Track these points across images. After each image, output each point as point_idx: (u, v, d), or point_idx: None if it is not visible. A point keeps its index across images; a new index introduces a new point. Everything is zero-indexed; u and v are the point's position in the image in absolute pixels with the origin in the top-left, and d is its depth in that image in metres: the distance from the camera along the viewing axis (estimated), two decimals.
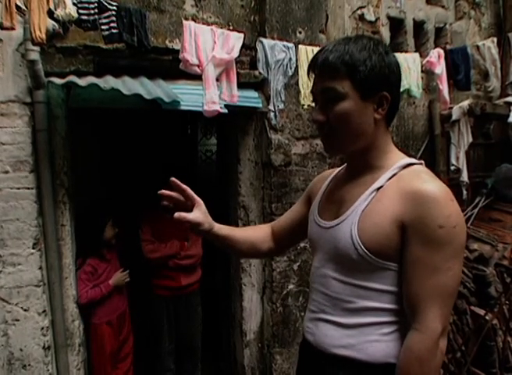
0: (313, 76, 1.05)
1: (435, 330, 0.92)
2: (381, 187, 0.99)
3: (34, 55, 1.95)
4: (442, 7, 3.27)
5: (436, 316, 0.92)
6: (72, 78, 2.00)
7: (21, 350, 2.14)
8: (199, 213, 1.18)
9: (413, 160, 1.03)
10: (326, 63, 0.99)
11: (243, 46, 2.18)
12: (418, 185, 0.94)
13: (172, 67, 2.21)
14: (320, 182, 1.26)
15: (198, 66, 1.97)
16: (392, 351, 0.98)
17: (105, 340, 2.46)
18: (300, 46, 2.30)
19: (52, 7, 1.71)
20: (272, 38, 2.34)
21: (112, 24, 1.80)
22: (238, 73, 2.22)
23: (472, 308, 2.57)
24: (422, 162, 1.05)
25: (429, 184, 0.93)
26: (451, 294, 0.94)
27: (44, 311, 2.16)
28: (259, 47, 2.21)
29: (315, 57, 1.03)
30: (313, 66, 1.04)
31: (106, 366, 2.46)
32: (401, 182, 0.97)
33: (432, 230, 0.91)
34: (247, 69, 2.49)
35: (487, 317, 2.46)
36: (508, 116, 3.07)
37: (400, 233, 0.94)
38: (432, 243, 0.91)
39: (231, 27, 2.42)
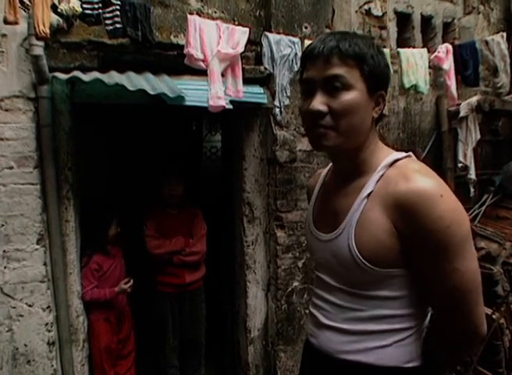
0: (309, 63, 0.97)
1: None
2: (371, 192, 0.95)
3: (38, 50, 1.94)
4: (451, 1, 3.22)
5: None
6: (77, 73, 1.99)
7: (25, 345, 2.14)
8: None
9: (398, 155, 0.98)
10: (336, 50, 0.92)
11: (249, 41, 2.15)
12: (403, 189, 0.88)
13: (176, 62, 2.20)
14: (312, 187, 1.21)
15: (203, 60, 1.95)
16: (402, 355, 0.97)
17: (102, 336, 2.46)
18: (306, 41, 2.27)
19: (56, 1, 1.70)
20: (278, 33, 2.31)
21: (115, 19, 1.79)
22: (243, 69, 2.20)
23: None
24: (410, 153, 1.00)
25: (414, 185, 0.87)
26: (464, 294, 0.90)
27: (49, 307, 2.17)
28: (264, 42, 2.19)
29: (317, 46, 0.95)
30: (316, 53, 0.94)
31: (103, 362, 2.46)
32: (388, 186, 0.92)
33: (426, 237, 0.87)
34: (252, 65, 2.47)
35: (494, 316, 2.43)
36: None
37: (397, 241, 0.91)
38: (430, 248, 0.88)
39: (236, 22, 2.40)
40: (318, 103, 0.93)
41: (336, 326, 1.02)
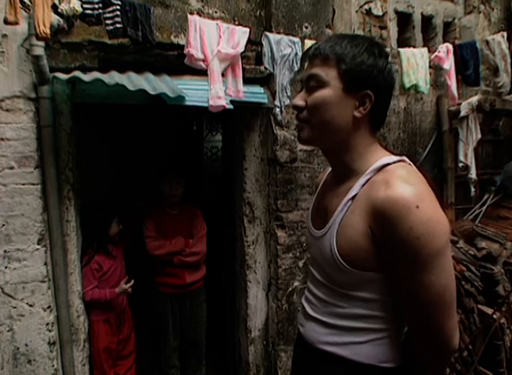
0: (302, 65, 1.07)
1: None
2: (355, 195, 0.97)
3: (39, 50, 1.94)
4: (451, 1, 3.21)
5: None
6: (77, 73, 1.99)
7: (26, 345, 2.14)
8: None
9: (390, 159, 0.98)
10: (317, 52, 1.00)
11: (249, 41, 2.15)
12: (381, 196, 0.89)
13: (177, 63, 2.20)
14: (318, 184, 1.27)
15: (203, 60, 1.95)
16: (377, 354, 0.99)
17: (101, 337, 2.46)
18: (306, 41, 2.27)
19: (57, 1, 1.70)
20: (278, 33, 2.32)
21: (116, 19, 1.79)
22: (243, 69, 2.20)
23: (480, 306, 2.54)
24: (403, 157, 1.00)
25: (392, 192, 0.87)
26: (429, 308, 0.90)
27: (50, 306, 2.17)
28: (265, 41, 2.19)
29: (308, 49, 1.05)
30: (305, 55, 1.06)
31: (102, 363, 2.46)
32: (371, 191, 0.93)
33: (396, 246, 0.88)
34: (253, 65, 2.47)
35: (495, 316, 2.43)
36: None
37: (373, 245, 0.92)
38: (399, 258, 0.89)
39: (236, 22, 2.40)
40: (298, 99, 1.03)
41: (319, 318, 1.07)
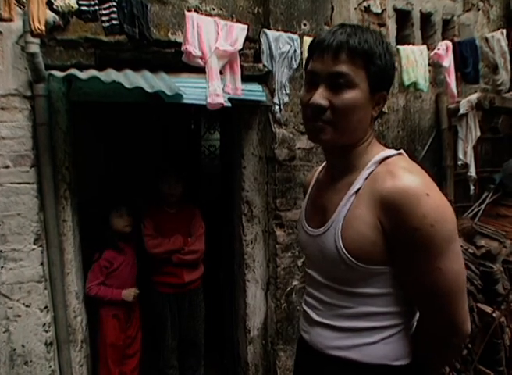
0: (316, 55, 0.95)
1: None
2: (359, 188, 0.95)
3: (34, 47, 1.92)
4: None
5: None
6: (73, 71, 1.96)
7: (23, 346, 2.13)
8: None
9: (389, 152, 0.98)
10: (345, 47, 0.91)
11: (247, 38, 2.14)
12: (389, 187, 0.88)
13: (174, 60, 2.18)
14: (308, 184, 1.23)
15: (201, 57, 1.94)
16: (389, 353, 0.97)
17: (109, 332, 2.46)
18: (305, 38, 2.25)
19: None
20: (277, 30, 2.30)
21: (112, 15, 1.77)
22: (242, 66, 2.18)
23: (479, 305, 2.54)
24: (400, 151, 1.00)
25: (400, 182, 0.87)
26: (445, 294, 0.90)
27: (46, 307, 2.15)
28: (263, 39, 2.17)
29: (326, 39, 0.93)
30: (325, 46, 0.93)
31: (108, 359, 2.45)
32: (375, 183, 0.92)
33: (409, 235, 0.87)
34: (251, 62, 2.45)
35: (494, 315, 2.42)
36: None
37: (383, 237, 0.91)
38: (413, 247, 0.88)
39: (234, 20, 2.38)
40: (320, 97, 0.93)
41: (326, 322, 1.03)
